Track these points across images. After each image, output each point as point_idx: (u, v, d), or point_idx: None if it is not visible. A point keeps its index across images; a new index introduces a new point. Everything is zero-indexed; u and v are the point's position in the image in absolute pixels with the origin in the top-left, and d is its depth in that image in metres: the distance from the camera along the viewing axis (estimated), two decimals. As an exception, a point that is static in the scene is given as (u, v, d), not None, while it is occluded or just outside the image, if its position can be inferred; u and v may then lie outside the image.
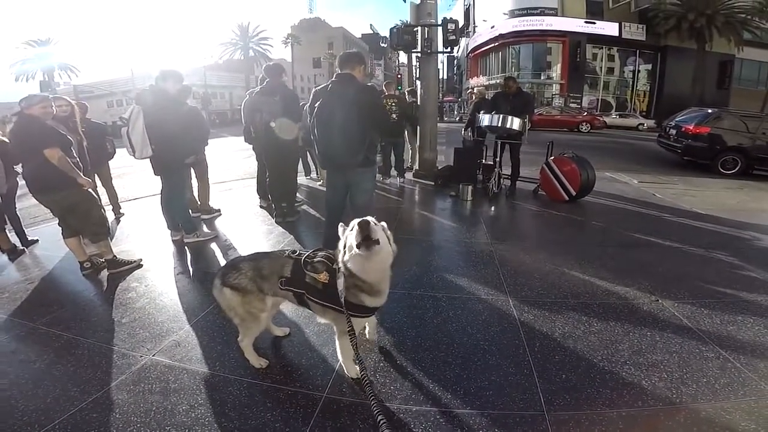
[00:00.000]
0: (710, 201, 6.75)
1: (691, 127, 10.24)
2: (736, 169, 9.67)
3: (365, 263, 1.99)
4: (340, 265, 2.07)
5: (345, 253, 2.04)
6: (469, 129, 8.04)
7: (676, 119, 11.38)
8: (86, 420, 2.05)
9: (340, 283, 2.02)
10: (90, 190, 3.76)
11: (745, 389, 2.25)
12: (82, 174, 3.67)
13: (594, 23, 30.45)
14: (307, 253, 2.24)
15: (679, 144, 10.59)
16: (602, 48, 32.41)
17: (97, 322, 3.03)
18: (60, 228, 3.88)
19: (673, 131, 11.06)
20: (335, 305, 2.05)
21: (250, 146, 5.93)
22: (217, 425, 2.02)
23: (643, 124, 27.13)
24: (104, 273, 3.87)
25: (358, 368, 2.36)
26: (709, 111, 10.58)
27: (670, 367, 2.43)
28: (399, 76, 27.43)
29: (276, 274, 2.23)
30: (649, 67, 32.51)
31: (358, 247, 1.91)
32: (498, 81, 34.48)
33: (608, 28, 30.51)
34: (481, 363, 2.49)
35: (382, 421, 1.30)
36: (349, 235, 2.02)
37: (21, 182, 4.23)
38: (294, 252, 2.29)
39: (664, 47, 30.58)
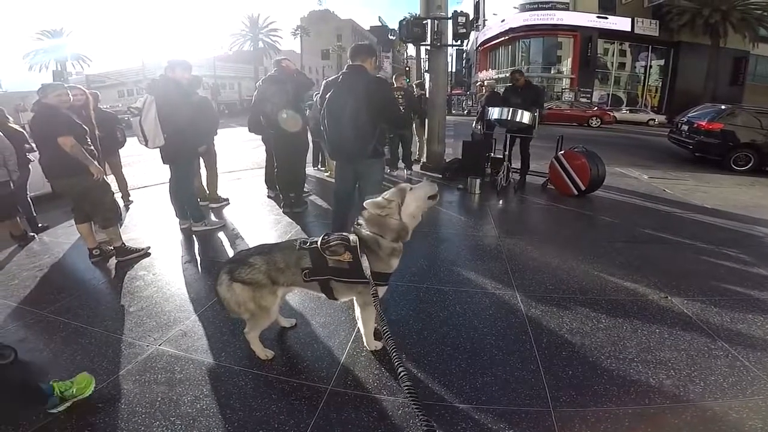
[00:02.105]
0: (721, 197, 6.66)
1: (703, 123, 10.09)
2: (749, 165, 9.53)
3: (423, 212, 2.30)
4: (391, 225, 2.22)
5: (401, 209, 2.22)
6: (480, 122, 7.97)
7: (689, 115, 11.22)
8: (92, 410, 2.06)
9: (365, 259, 2.10)
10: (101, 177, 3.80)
11: (753, 388, 2.22)
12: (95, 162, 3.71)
13: (606, 18, 29.98)
14: (320, 240, 2.22)
15: (691, 140, 10.44)
16: (614, 43, 31.93)
17: (104, 311, 3.06)
18: (72, 214, 3.92)
19: (685, 127, 10.90)
20: (364, 279, 2.09)
21: (259, 136, 5.94)
22: (221, 416, 2.02)
23: (654, 120, 26.81)
24: (112, 261, 3.90)
25: (378, 343, 2.49)
26: (723, 107, 10.40)
27: (678, 365, 2.41)
28: (407, 68, 27.32)
29: (295, 266, 2.21)
30: (662, 62, 32.02)
31: (432, 197, 2.28)
32: (507, 75, 34.30)
33: (620, 24, 30.01)
34: (487, 358, 2.48)
35: (402, 373, 1.29)
36: (409, 194, 2.23)
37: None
38: (304, 242, 2.26)
39: (677, 43, 30.06)
